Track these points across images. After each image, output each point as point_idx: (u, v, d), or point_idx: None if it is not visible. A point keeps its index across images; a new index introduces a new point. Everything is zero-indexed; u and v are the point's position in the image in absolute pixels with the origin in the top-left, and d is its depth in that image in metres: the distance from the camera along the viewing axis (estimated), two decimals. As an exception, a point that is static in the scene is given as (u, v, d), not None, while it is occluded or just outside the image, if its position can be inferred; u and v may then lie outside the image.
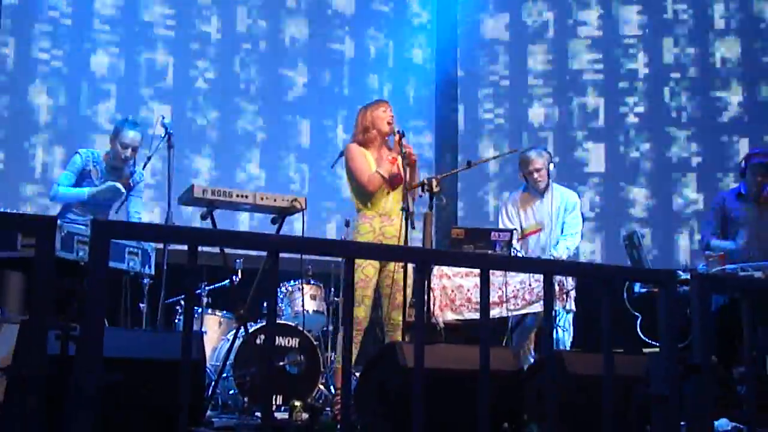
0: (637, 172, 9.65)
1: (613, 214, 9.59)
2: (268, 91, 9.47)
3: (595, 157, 9.74)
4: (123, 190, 6.12)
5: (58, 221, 5.17)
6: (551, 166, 6.71)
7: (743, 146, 9.38)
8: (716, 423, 4.84)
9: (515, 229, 6.27)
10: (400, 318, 5.50)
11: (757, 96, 9.54)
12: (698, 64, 9.69)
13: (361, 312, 5.46)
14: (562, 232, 6.65)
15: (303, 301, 6.78)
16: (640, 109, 9.74)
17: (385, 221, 5.55)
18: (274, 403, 5.85)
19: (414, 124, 9.38)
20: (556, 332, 6.16)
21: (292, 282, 7.01)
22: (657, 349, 2.79)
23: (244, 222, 8.78)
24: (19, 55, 8.68)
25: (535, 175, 6.61)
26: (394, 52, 10.07)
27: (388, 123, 5.62)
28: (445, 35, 10.28)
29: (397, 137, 5.50)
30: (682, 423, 2.71)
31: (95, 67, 8.90)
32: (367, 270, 5.45)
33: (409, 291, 5.35)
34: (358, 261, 5.28)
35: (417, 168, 5.52)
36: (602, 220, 9.63)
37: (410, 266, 5.48)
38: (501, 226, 6.69)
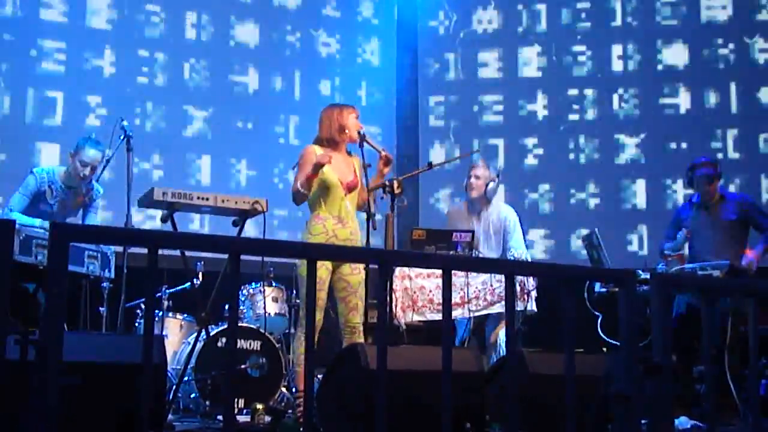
0: (587, 176, 9.72)
1: (564, 219, 9.67)
2: (217, 96, 9.39)
3: (545, 162, 9.82)
4: None
5: (17, 225, 5.12)
6: (491, 184, 6.68)
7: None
8: (676, 421, 4.90)
9: (472, 231, 6.27)
10: (357, 320, 5.48)
11: (704, 102, 9.64)
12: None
13: (317, 314, 5.44)
14: (506, 251, 6.63)
15: (265, 303, 6.77)
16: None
17: (339, 224, 5.51)
18: (236, 406, 5.82)
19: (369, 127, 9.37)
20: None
21: (253, 284, 6.99)
22: (617, 349, 2.81)
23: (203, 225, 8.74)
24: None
25: (472, 179, 6.66)
26: (346, 55, 10.06)
27: (358, 131, 5.57)
28: (404, 40, 10.31)
29: (358, 139, 5.50)
30: (643, 421, 2.73)
31: (41, 73, 8.74)
32: (320, 272, 5.41)
33: (362, 292, 5.36)
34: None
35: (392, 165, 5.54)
36: (552, 226, 9.71)
37: (361, 268, 5.53)
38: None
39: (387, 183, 5.34)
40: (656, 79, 9.70)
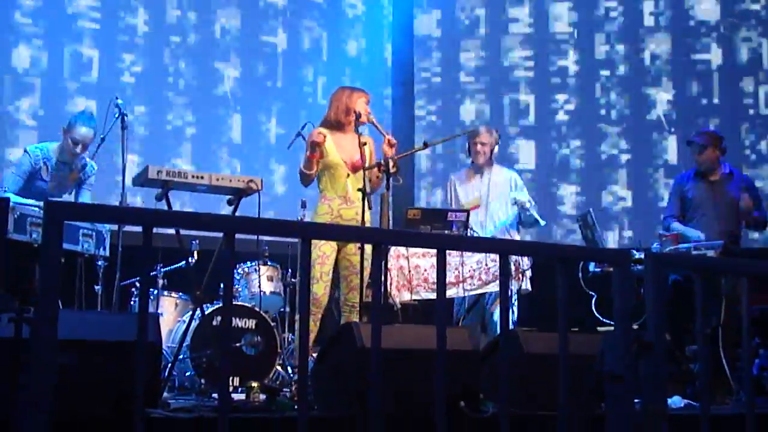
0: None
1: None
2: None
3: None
4: None
5: (11, 203, 5.11)
6: (496, 148, 6.86)
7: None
8: (669, 400, 4.92)
9: (467, 211, 6.29)
10: (356, 299, 5.53)
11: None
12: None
13: (320, 289, 5.48)
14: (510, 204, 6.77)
15: (260, 282, 6.77)
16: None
17: (344, 204, 5.57)
18: (231, 384, 5.84)
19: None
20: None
21: (248, 263, 6.99)
22: (611, 328, 2.82)
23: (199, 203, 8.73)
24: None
25: (478, 147, 6.77)
26: (329, 45, 10.00)
27: (368, 116, 5.65)
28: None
29: (372, 118, 5.58)
30: (636, 400, 2.74)
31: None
32: (324, 248, 5.48)
33: (366, 272, 5.37)
34: (314, 240, 5.30)
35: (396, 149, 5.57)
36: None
37: (368, 248, 5.55)
38: (446, 196, 6.97)
39: (382, 162, 5.36)
40: (687, 33, 9.70)
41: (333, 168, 5.59)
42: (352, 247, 5.56)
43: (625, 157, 9.66)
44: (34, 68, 8.71)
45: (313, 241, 5.33)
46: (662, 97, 9.65)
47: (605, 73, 9.79)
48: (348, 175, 5.62)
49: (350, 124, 5.65)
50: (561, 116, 9.80)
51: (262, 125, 9.49)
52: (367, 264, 5.37)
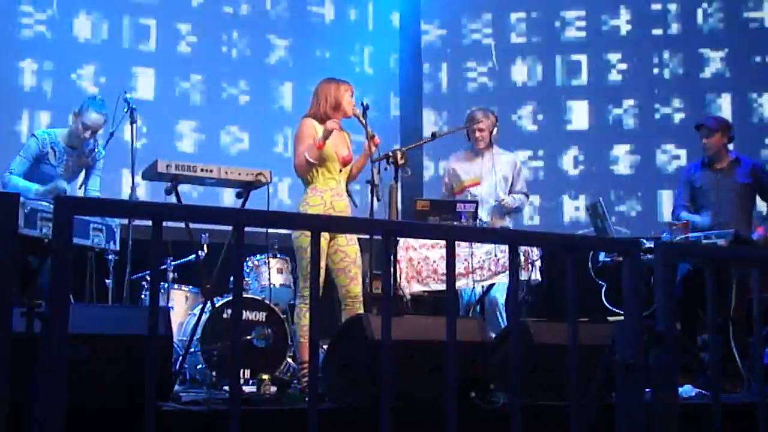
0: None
1: (598, 171, 9.67)
2: (251, 55, 9.57)
3: (578, 115, 9.77)
4: (67, 188, 6.01)
5: (21, 198, 5.12)
6: (495, 130, 6.88)
7: (725, 102, 9.51)
8: (680, 390, 4.91)
9: (476, 202, 6.28)
10: (358, 290, 5.53)
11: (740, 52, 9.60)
12: (681, 21, 9.73)
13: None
14: (510, 190, 6.85)
15: (269, 274, 6.78)
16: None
17: (335, 195, 5.56)
18: (241, 376, 5.85)
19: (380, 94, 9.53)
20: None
21: (258, 256, 7.01)
22: (622, 318, 2.82)
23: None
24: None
25: (477, 133, 6.78)
26: (374, 17, 10.15)
27: (353, 110, 5.65)
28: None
29: (357, 112, 5.56)
30: (647, 390, 2.74)
31: (78, 31, 8.94)
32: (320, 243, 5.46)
33: (364, 264, 5.40)
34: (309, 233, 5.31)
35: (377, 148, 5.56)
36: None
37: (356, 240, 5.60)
38: (444, 180, 6.96)
39: (390, 154, 5.37)
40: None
41: (327, 161, 5.57)
42: (343, 239, 5.55)
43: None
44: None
45: (309, 235, 5.37)
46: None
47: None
48: (340, 169, 5.62)
49: (337, 118, 5.63)
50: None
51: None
52: (365, 256, 5.41)
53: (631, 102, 9.72)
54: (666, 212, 8.80)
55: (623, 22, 9.83)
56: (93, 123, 6.08)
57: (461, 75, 10.00)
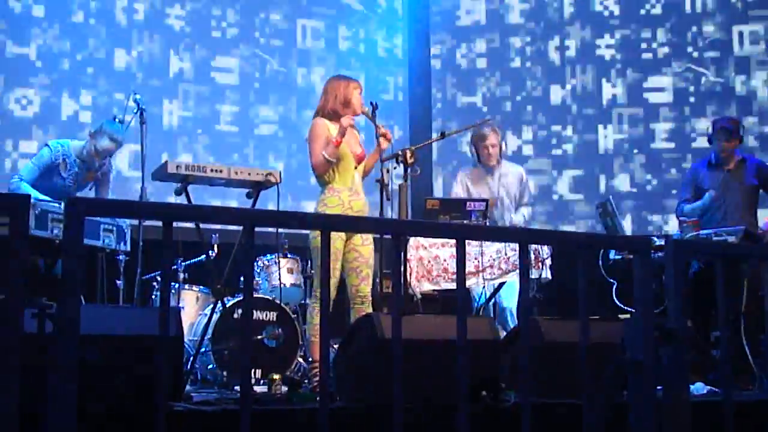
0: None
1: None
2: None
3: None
4: None
5: (32, 199, 5.14)
6: (503, 144, 6.95)
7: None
8: (692, 387, 4.90)
9: (486, 200, 6.29)
10: (368, 290, 5.54)
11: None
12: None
13: (332, 284, 5.48)
14: (518, 203, 6.90)
15: (280, 274, 6.79)
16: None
17: (353, 195, 5.57)
18: (252, 376, 5.86)
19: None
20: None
21: (268, 256, 7.02)
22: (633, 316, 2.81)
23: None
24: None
25: (490, 150, 6.77)
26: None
27: (362, 107, 5.66)
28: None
29: (366, 110, 5.57)
30: (658, 388, 2.73)
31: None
32: (335, 243, 5.45)
33: (371, 261, 5.40)
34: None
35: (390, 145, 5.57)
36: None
37: (370, 238, 5.60)
38: (457, 190, 6.94)
39: (400, 153, 5.37)
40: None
41: (342, 159, 5.58)
42: (358, 238, 5.55)
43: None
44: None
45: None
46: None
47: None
48: (355, 167, 5.63)
49: (346, 115, 5.63)
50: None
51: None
52: (375, 255, 5.41)
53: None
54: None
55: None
56: (104, 150, 6.18)
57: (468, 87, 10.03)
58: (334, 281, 5.46)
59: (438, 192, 9.50)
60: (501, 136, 6.92)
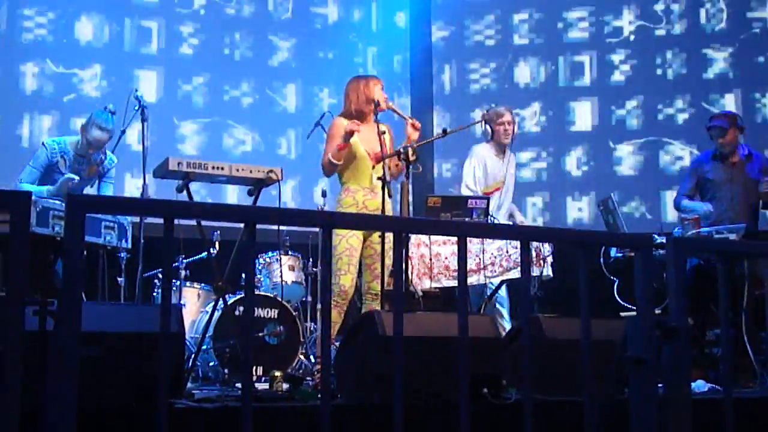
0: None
1: (601, 172, 9.67)
2: (254, 57, 9.62)
3: (582, 115, 9.77)
4: (76, 178, 6.04)
5: (33, 196, 5.13)
6: (515, 127, 6.94)
7: (729, 101, 9.48)
8: (693, 384, 4.90)
9: (488, 198, 6.29)
10: (380, 287, 5.54)
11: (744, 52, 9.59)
12: (686, 21, 9.73)
13: (348, 281, 5.49)
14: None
15: (281, 272, 6.79)
16: (626, 67, 9.78)
17: (369, 194, 5.59)
18: (254, 373, 5.86)
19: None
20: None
21: (270, 253, 7.02)
22: (634, 313, 2.81)
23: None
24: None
25: (507, 126, 6.76)
26: (378, 17, 10.17)
27: (386, 102, 5.66)
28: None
29: (391, 104, 5.62)
30: (659, 385, 2.73)
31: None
32: (351, 240, 5.49)
33: (388, 260, 5.39)
34: (343, 231, 5.36)
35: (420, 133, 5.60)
36: (589, 178, 9.72)
37: (389, 236, 5.57)
38: (466, 179, 6.84)
39: (401, 150, 5.36)
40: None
41: (358, 160, 5.61)
42: (377, 236, 5.57)
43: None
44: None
45: (342, 233, 5.41)
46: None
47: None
48: (373, 166, 5.64)
49: (370, 113, 5.66)
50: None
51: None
52: (390, 252, 5.38)
53: (634, 103, 9.72)
54: (671, 212, 8.79)
55: (626, 23, 9.83)
56: (95, 140, 6.15)
57: (465, 76, 10.04)
58: (350, 277, 5.49)
59: (439, 190, 9.51)
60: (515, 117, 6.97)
